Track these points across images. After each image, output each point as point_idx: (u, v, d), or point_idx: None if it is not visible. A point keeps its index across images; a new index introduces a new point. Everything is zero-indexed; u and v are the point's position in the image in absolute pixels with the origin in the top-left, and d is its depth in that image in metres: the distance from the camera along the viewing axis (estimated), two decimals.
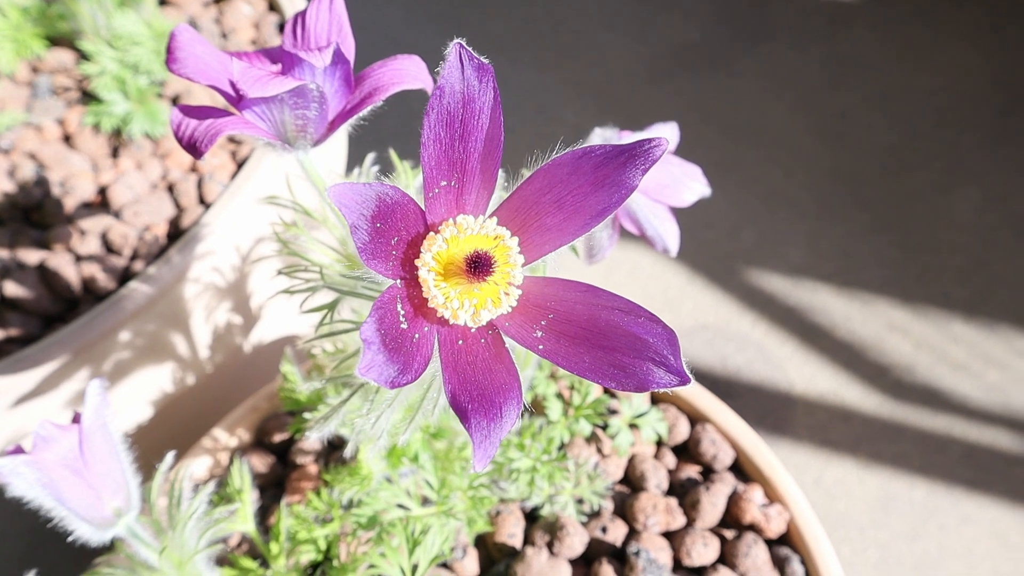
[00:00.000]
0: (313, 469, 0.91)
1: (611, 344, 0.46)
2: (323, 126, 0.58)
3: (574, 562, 0.82)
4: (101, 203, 1.03)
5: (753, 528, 0.83)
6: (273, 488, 0.94)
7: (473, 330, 0.50)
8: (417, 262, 0.48)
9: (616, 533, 0.82)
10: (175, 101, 1.10)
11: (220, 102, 1.11)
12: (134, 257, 0.99)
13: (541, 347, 0.49)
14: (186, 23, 1.16)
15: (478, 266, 0.47)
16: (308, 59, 0.52)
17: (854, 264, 1.62)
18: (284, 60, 0.54)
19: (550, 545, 0.82)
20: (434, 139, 0.45)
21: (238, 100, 0.58)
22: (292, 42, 0.61)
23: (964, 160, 1.73)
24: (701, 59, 2.00)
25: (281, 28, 1.19)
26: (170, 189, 1.04)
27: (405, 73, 0.58)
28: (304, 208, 0.67)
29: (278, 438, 0.96)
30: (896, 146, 1.77)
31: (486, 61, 0.43)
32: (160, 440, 1.11)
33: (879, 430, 1.48)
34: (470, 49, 0.43)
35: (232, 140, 1.08)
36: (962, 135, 1.77)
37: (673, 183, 0.76)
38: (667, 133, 0.80)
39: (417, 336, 0.47)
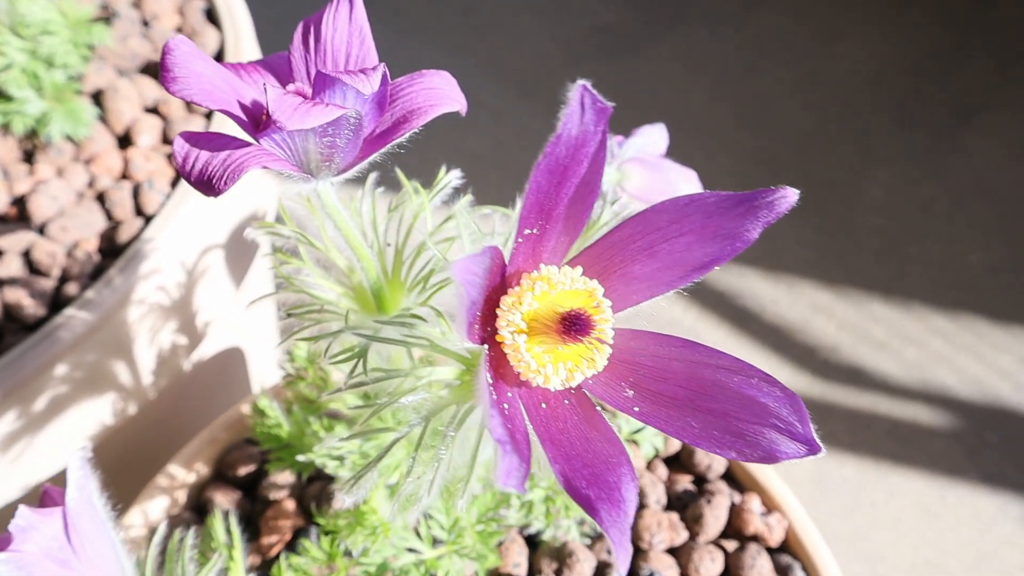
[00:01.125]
0: (290, 505, 0.83)
1: (721, 408, 0.42)
2: (352, 154, 0.50)
3: None
4: (18, 217, 0.90)
5: (755, 538, 0.82)
6: (241, 525, 0.85)
7: (554, 391, 0.44)
8: (499, 323, 0.42)
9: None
10: (97, 98, 0.97)
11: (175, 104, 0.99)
12: (64, 279, 0.87)
13: (636, 409, 0.43)
14: (101, 8, 1.03)
15: (576, 326, 0.41)
16: (355, 85, 0.44)
17: (778, 247, 1.64)
18: (317, 83, 0.46)
19: (558, 573, 0.77)
20: (536, 189, 0.39)
21: (255, 126, 0.50)
22: (304, 54, 0.52)
23: (874, 144, 1.77)
24: (617, 42, 1.97)
25: (208, 15, 1.07)
26: (100, 199, 0.92)
27: (440, 94, 0.51)
28: (307, 238, 0.59)
29: (243, 471, 0.87)
30: (812, 130, 1.79)
31: (609, 104, 0.37)
32: (103, 479, 0.99)
33: (810, 411, 1.51)
34: (594, 92, 0.37)
35: (168, 140, 0.96)
36: (871, 119, 1.81)
37: (668, 188, 0.72)
38: (656, 134, 0.75)
39: (507, 407, 0.41)
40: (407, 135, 0.50)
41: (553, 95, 1.90)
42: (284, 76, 0.54)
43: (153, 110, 0.98)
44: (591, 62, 1.93)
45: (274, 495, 0.84)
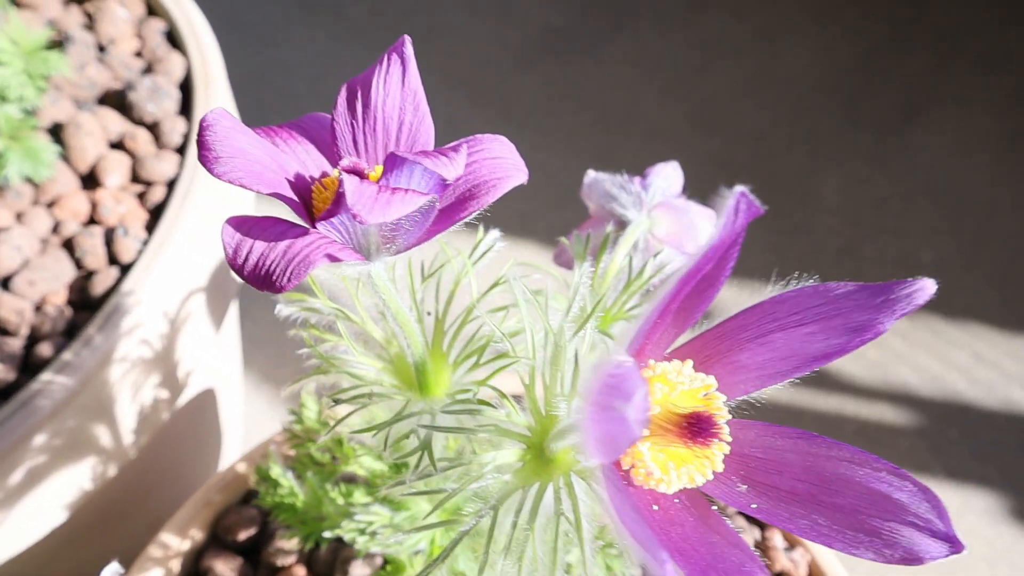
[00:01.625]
0: (301, 573, 0.77)
1: (848, 504, 0.39)
2: (415, 236, 0.45)
3: None
4: None
5: None
6: None
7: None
8: None
9: None
10: (56, 135, 0.88)
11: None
12: (34, 338, 0.79)
13: (753, 506, 0.41)
14: (52, 32, 0.94)
15: (701, 429, 0.38)
16: (438, 170, 0.39)
17: (740, 253, 1.64)
18: (389, 164, 0.41)
19: None
20: (672, 297, 0.35)
21: (304, 206, 0.45)
22: (350, 120, 0.47)
23: (825, 144, 1.79)
24: (567, 44, 1.94)
25: (169, 37, 0.99)
26: (68, 247, 0.84)
27: (505, 165, 0.46)
28: (346, 313, 0.54)
29: (243, 535, 0.81)
30: (765, 131, 1.80)
31: (763, 208, 0.34)
32: (83, 551, 0.92)
33: (780, 417, 1.52)
34: (751, 197, 0.33)
35: (137, 179, 0.89)
36: (820, 119, 1.83)
37: (693, 230, 0.70)
38: (671, 172, 0.73)
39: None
40: (474, 215, 0.46)
41: (506, 101, 1.85)
42: (323, 143, 0.49)
43: (118, 145, 0.90)
44: (543, 66, 1.89)
45: (281, 561, 0.79)
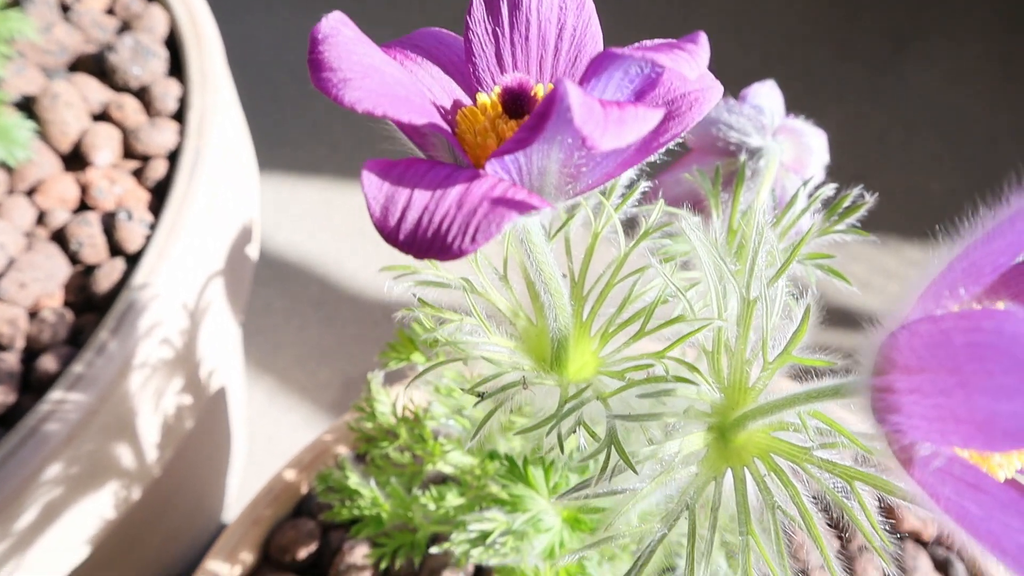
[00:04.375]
0: None
1: None
2: (603, 171, 0.34)
3: None
4: None
5: (911, 535, 0.72)
6: None
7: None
8: None
9: None
10: (27, 110, 0.74)
11: None
12: (32, 351, 0.66)
13: None
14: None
15: None
16: (677, 66, 0.28)
17: None
18: (595, 67, 0.30)
19: None
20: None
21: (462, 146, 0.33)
22: (492, 28, 0.35)
23: (819, 80, 1.71)
24: None
25: None
26: (59, 239, 0.70)
27: (704, 75, 0.35)
28: (471, 284, 0.42)
29: (302, 553, 0.69)
30: (757, 69, 1.71)
31: None
32: None
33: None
34: None
35: (131, 154, 0.75)
36: (812, 55, 1.74)
37: (808, 153, 0.62)
38: (771, 92, 0.64)
39: None
40: (675, 142, 0.34)
41: None
42: (450, 62, 0.37)
43: (103, 117, 0.76)
44: None
45: None
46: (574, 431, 0.39)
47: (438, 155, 0.33)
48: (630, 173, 0.46)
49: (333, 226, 1.50)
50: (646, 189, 0.45)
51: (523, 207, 0.29)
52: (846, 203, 0.50)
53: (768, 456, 0.41)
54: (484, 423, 0.40)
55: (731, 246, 0.51)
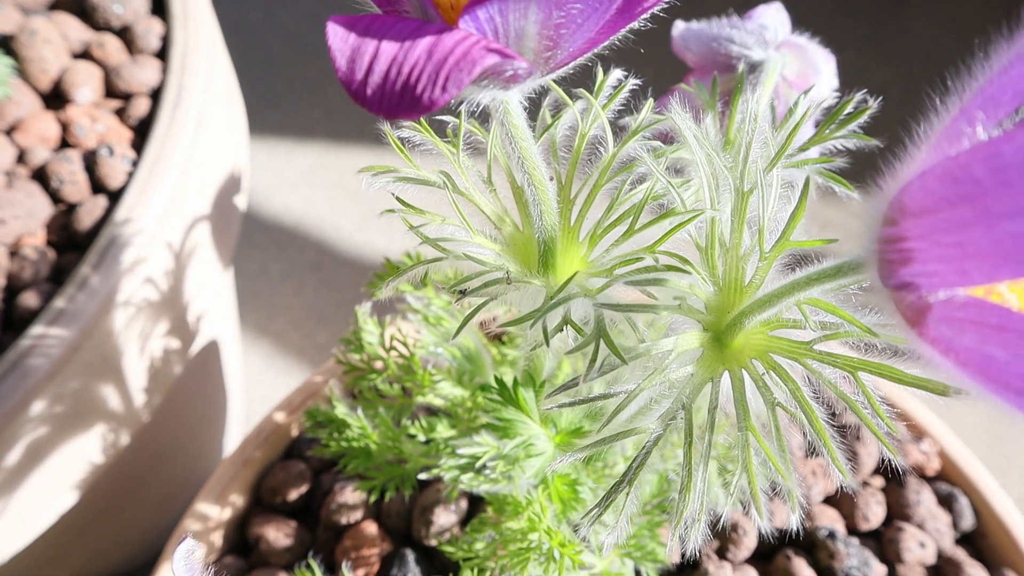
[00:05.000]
0: (371, 528, 0.64)
1: None
2: (583, 38, 0.32)
3: (750, 561, 0.64)
4: None
5: (915, 470, 0.70)
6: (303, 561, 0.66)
7: None
8: None
9: (780, 516, 0.65)
10: (7, 48, 0.71)
11: None
12: (12, 288, 0.64)
13: None
14: None
15: None
16: None
17: None
18: None
19: (720, 552, 0.64)
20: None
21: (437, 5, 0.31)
22: None
23: (820, 34, 1.68)
24: None
25: None
26: (39, 178, 0.68)
27: None
28: (451, 181, 0.40)
29: (293, 494, 0.68)
30: None
31: None
32: (95, 539, 0.78)
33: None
34: None
35: (113, 93, 0.73)
36: (813, 6, 1.71)
37: (813, 71, 0.60)
38: (777, 11, 0.62)
39: None
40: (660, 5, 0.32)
41: None
42: None
43: (83, 55, 0.74)
44: None
45: (346, 518, 0.65)
46: (561, 329, 0.37)
47: (409, 14, 0.31)
48: (617, 73, 0.44)
49: (328, 189, 1.48)
50: (635, 87, 0.43)
51: (499, 53, 0.27)
52: (848, 109, 0.48)
53: (766, 355, 0.39)
54: (467, 321, 0.38)
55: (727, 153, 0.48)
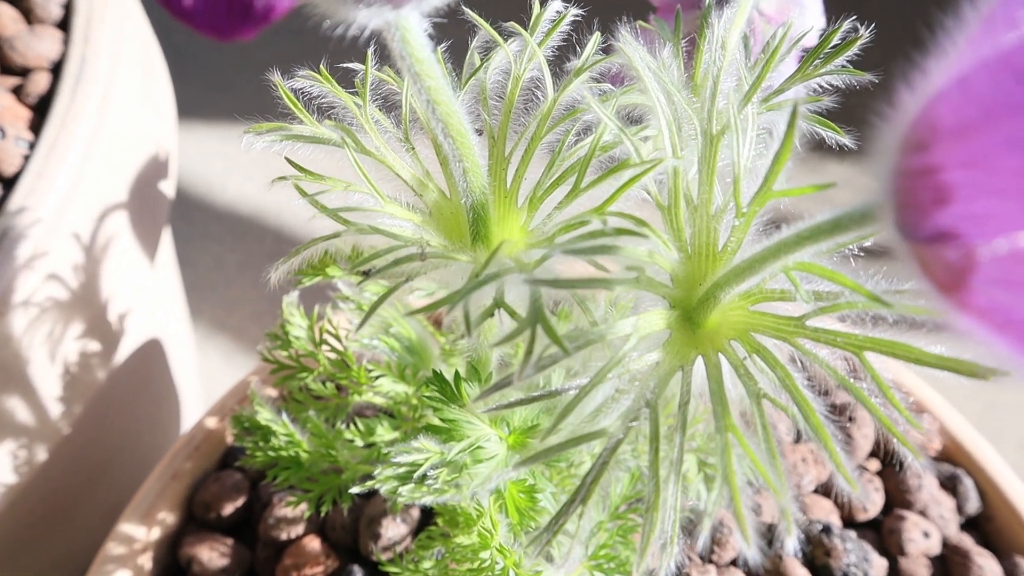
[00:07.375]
0: (314, 544, 0.56)
1: None
2: None
3: (737, 562, 0.57)
4: None
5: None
6: None
7: None
8: None
9: (768, 510, 0.58)
10: None
11: None
12: None
13: None
14: None
15: None
16: None
17: None
18: None
19: (704, 555, 0.56)
20: None
21: None
22: None
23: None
24: None
25: None
26: None
27: None
28: (355, 138, 0.32)
29: (228, 508, 0.60)
30: None
31: None
32: (27, 560, 0.69)
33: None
34: None
35: (8, 69, 0.64)
36: None
37: (796, 6, 0.52)
38: None
39: None
40: None
41: None
42: None
43: None
44: None
45: (286, 534, 0.58)
46: (491, 314, 0.29)
47: None
48: (556, 4, 0.36)
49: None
50: (577, 18, 0.35)
51: None
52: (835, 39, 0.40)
53: (748, 335, 0.31)
54: (377, 306, 0.30)
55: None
